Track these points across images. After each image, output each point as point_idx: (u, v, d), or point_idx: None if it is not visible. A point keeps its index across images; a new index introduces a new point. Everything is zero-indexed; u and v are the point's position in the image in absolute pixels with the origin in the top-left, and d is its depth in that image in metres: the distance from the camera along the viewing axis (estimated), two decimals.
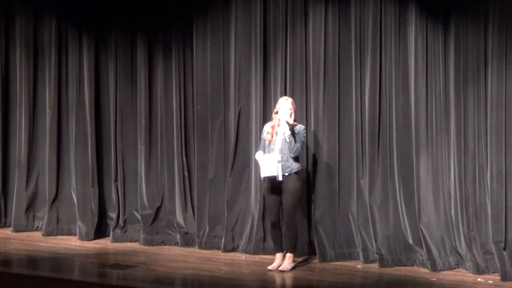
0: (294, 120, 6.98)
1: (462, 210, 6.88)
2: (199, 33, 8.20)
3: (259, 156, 7.00)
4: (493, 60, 6.80)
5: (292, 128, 6.87)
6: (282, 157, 6.86)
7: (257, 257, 7.55)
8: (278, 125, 6.96)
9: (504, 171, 6.76)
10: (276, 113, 7.00)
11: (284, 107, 6.94)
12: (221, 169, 8.04)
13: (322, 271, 7.01)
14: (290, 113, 6.91)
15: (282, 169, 6.86)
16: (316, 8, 7.60)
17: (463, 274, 6.78)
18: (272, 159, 6.81)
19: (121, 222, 8.49)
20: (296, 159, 6.92)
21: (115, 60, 8.65)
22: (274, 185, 6.93)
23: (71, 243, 8.39)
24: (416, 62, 7.16)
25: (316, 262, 7.33)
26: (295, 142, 6.86)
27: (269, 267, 6.98)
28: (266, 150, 7.00)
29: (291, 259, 6.98)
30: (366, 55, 7.40)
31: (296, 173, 6.93)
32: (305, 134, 7.04)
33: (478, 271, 6.72)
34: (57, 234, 8.75)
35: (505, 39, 6.76)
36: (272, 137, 6.98)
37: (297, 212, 7.09)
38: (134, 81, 8.63)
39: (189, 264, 7.28)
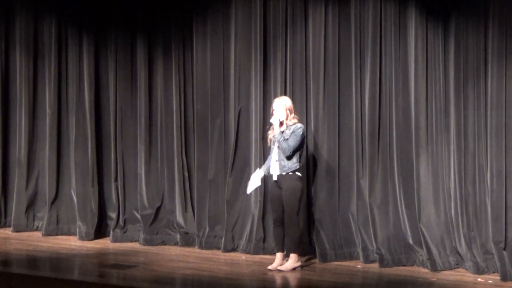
0: (294, 115, 6.98)
1: (462, 210, 6.88)
2: (199, 33, 8.20)
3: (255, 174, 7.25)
4: (493, 60, 6.80)
5: (281, 127, 6.90)
6: (278, 156, 6.91)
7: (257, 257, 7.55)
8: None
9: (504, 171, 6.75)
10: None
11: (274, 107, 7.01)
12: (221, 169, 8.04)
13: (322, 271, 7.01)
14: (277, 113, 6.93)
15: (279, 169, 6.91)
16: (316, 8, 7.60)
17: (463, 274, 6.77)
18: (256, 175, 7.16)
19: (121, 222, 8.49)
20: (290, 158, 6.88)
21: (115, 60, 8.66)
22: (274, 184, 6.98)
23: (71, 243, 8.39)
24: (416, 62, 7.16)
25: (316, 262, 7.33)
26: (286, 141, 6.85)
27: (269, 267, 6.97)
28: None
29: (294, 259, 6.94)
30: (366, 55, 7.40)
31: (294, 172, 6.92)
32: (302, 133, 6.93)
33: (478, 271, 6.72)
34: (57, 234, 8.75)
35: (505, 39, 6.75)
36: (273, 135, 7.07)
37: (298, 211, 7.05)
38: (134, 81, 8.63)
39: (189, 264, 7.28)
